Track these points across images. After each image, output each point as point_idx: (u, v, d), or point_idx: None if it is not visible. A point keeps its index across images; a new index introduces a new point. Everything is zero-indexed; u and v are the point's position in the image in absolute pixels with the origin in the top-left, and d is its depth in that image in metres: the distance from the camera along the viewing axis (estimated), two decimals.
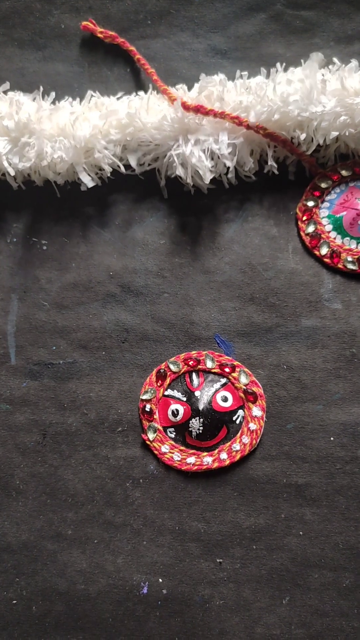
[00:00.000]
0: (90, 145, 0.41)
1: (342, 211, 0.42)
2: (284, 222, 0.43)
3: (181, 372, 0.41)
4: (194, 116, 0.41)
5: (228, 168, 0.43)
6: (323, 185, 0.43)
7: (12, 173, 0.41)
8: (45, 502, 0.39)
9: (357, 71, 0.42)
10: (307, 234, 0.42)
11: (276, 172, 0.42)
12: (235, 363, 0.40)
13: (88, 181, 0.42)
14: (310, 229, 0.42)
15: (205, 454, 0.39)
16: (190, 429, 0.39)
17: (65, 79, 0.45)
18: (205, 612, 0.38)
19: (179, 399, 0.40)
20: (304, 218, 0.43)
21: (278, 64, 0.43)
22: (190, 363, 0.41)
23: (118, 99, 0.43)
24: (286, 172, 0.44)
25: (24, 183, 0.44)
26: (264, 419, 0.40)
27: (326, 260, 0.42)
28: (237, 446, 0.39)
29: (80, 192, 0.43)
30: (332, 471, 0.39)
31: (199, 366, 0.41)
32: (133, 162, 0.42)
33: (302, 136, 0.41)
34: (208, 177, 0.41)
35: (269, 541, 0.38)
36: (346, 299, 0.42)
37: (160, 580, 0.38)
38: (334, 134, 0.41)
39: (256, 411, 0.40)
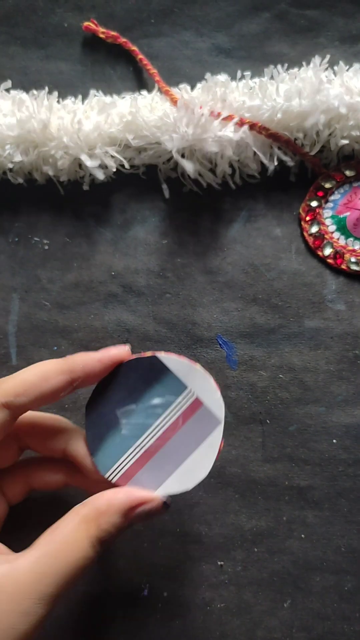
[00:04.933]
0: (92, 142, 0.41)
1: (346, 211, 0.42)
2: (287, 223, 0.43)
3: None
4: (197, 116, 0.40)
5: (232, 168, 0.42)
6: (327, 185, 0.43)
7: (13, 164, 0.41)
8: (45, 504, 0.39)
9: None
10: (311, 235, 0.42)
11: (292, 163, 0.42)
12: None
13: (94, 166, 0.41)
14: (314, 229, 0.42)
15: None
16: None
17: (68, 78, 0.45)
18: (206, 615, 0.37)
19: None
20: (308, 218, 0.42)
21: (280, 66, 0.43)
22: None
23: (122, 98, 0.43)
24: (289, 172, 0.43)
25: (25, 182, 0.44)
26: None
27: (329, 261, 0.42)
28: None
29: (82, 192, 0.43)
30: (334, 474, 0.39)
31: None
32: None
33: (310, 124, 0.41)
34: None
35: (271, 544, 0.38)
36: (349, 300, 0.41)
37: (161, 582, 0.38)
38: (343, 142, 0.41)
39: None
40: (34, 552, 0.28)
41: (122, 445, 0.33)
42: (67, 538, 0.29)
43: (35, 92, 0.43)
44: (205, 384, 0.33)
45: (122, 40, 0.45)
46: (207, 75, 0.42)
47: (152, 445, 0.33)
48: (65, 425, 0.35)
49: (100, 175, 0.41)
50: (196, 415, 0.33)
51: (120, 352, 0.33)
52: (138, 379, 0.34)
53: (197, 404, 0.33)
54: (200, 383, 0.33)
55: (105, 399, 0.34)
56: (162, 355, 0.33)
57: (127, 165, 0.42)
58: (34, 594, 0.27)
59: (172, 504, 0.32)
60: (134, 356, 0.34)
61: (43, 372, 0.31)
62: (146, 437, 0.33)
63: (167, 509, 0.31)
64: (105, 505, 0.30)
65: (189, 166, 0.40)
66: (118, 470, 0.33)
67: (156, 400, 0.34)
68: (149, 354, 0.34)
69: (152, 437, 0.33)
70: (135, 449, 0.33)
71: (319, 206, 0.43)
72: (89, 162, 0.41)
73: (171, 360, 0.34)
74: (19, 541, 0.31)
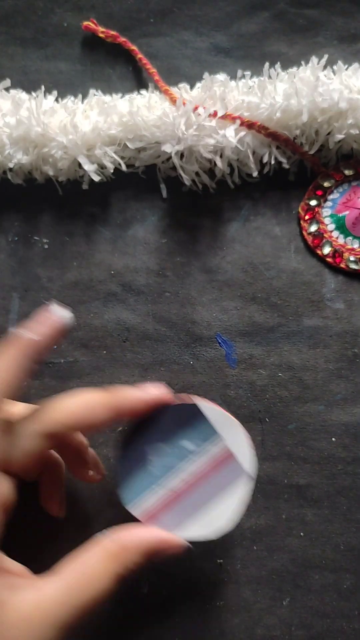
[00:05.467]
0: (92, 142, 0.41)
1: (345, 210, 0.42)
2: (286, 222, 0.43)
3: None
4: (196, 116, 0.41)
5: (231, 168, 0.43)
6: (326, 184, 0.43)
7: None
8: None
9: None
10: (310, 234, 0.42)
11: (286, 166, 0.42)
12: None
13: (92, 170, 0.41)
14: (313, 228, 0.42)
15: None
16: None
17: (68, 77, 0.45)
18: (205, 613, 0.37)
19: None
20: (307, 217, 0.42)
21: (278, 65, 0.43)
22: None
23: (121, 97, 0.43)
24: (288, 171, 0.43)
25: (25, 181, 0.44)
26: None
27: (328, 259, 0.42)
28: None
29: (81, 191, 0.43)
30: (333, 472, 0.39)
31: None
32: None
33: (305, 134, 0.41)
34: (218, 161, 0.40)
35: (270, 542, 0.38)
36: (348, 299, 0.41)
37: (161, 580, 0.38)
38: (339, 137, 0.41)
39: None
40: (60, 581, 0.29)
41: (149, 482, 0.34)
42: (92, 571, 0.29)
43: (34, 92, 0.43)
44: (240, 438, 0.34)
45: (122, 39, 0.45)
46: (205, 75, 0.42)
47: (178, 487, 0.34)
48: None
49: (95, 177, 0.42)
50: (226, 467, 0.34)
51: (165, 396, 0.33)
52: (174, 421, 0.34)
53: (228, 455, 0.34)
54: (234, 436, 0.34)
55: (139, 434, 0.34)
56: (203, 404, 0.34)
57: (124, 167, 0.42)
58: (58, 623, 0.27)
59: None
60: (178, 402, 0.34)
61: (90, 406, 0.31)
62: (173, 478, 0.34)
63: (188, 552, 0.32)
64: (131, 543, 0.30)
65: (185, 177, 0.41)
66: (140, 505, 0.34)
67: (189, 445, 0.34)
68: (190, 400, 0.34)
69: (179, 479, 0.34)
70: (160, 488, 0.34)
71: (318, 205, 0.43)
72: (87, 166, 0.41)
73: (210, 409, 0.34)
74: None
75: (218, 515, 0.33)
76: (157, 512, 0.33)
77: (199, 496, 0.34)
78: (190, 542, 0.32)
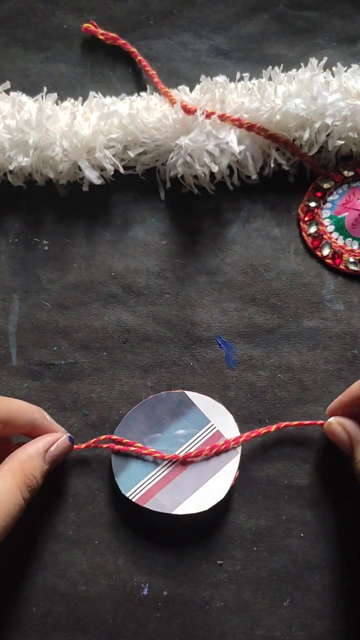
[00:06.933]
0: (92, 144, 0.42)
1: (344, 212, 0.42)
2: (286, 223, 0.43)
3: None
4: (195, 118, 0.41)
5: (231, 170, 0.43)
6: (325, 185, 0.43)
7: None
8: (47, 503, 0.39)
9: None
10: (309, 235, 0.42)
11: (287, 167, 0.43)
12: None
13: (94, 177, 0.41)
14: (312, 229, 0.42)
15: None
16: None
17: (68, 80, 0.45)
18: (205, 614, 0.38)
19: None
20: (306, 219, 0.43)
21: (277, 67, 0.43)
22: None
23: (121, 99, 0.44)
24: (288, 173, 0.44)
25: (25, 183, 0.44)
26: None
27: (328, 261, 0.42)
28: None
29: (81, 193, 0.43)
30: (333, 473, 0.39)
31: None
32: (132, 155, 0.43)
33: (305, 136, 0.41)
34: (214, 168, 0.40)
35: (270, 543, 0.38)
36: (348, 300, 0.41)
37: (161, 581, 0.38)
38: (339, 142, 0.41)
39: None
40: None
41: (146, 468, 0.37)
42: (2, 488, 0.33)
43: (35, 94, 0.43)
44: (226, 420, 0.38)
45: (122, 41, 0.45)
46: (203, 77, 0.42)
47: (173, 470, 0.37)
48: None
49: (95, 181, 0.42)
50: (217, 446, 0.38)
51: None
52: (166, 412, 0.38)
53: (217, 436, 0.38)
54: (221, 418, 0.38)
55: (133, 427, 0.38)
56: (190, 393, 0.39)
57: (121, 170, 0.43)
58: None
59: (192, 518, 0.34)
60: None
61: None
62: (168, 463, 0.37)
63: (72, 443, 0.37)
64: (25, 455, 0.35)
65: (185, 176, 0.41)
66: (139, 490, 0.37)
67: (180, 431, 0.38)
68: (178, 390, 0.39)
69: (174, 463, 0.37)
70: (157, 473, 0.37)
71: (318, 206, 0.43)
72: (87, 171, 0.41)
73: (197, 396, 0.39)
74: None
75: (210, 489, 0.37)
76: (154, 494, 0.37)
77: (193, 475, 0.37)
78: (187, 516, 0.37)
